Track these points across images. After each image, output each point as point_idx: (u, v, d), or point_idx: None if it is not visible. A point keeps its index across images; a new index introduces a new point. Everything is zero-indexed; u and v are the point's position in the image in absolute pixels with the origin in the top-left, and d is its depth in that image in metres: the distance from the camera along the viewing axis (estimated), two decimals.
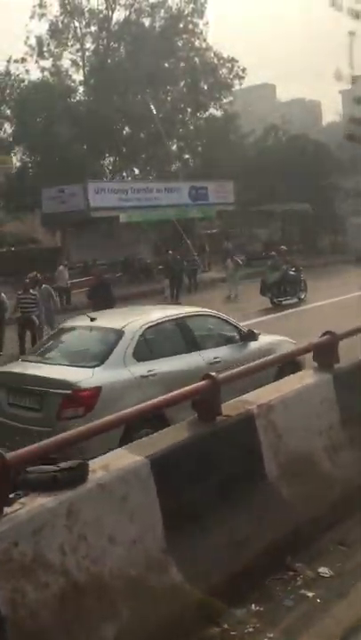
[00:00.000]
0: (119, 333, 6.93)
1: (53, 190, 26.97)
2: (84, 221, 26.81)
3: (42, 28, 41.00)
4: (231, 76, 38.37)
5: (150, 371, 6.74)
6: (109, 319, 8.03)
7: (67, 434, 3.74)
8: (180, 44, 38.55)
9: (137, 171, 40.38)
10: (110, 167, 38.11)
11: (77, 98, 36.77)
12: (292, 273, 18.57)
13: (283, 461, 4.79)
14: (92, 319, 7.51)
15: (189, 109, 40.09)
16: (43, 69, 37.60)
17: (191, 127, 41.42)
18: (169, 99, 39.27)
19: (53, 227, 28.49)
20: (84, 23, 38.15)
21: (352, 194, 36.37)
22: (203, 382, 4.44)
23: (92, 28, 38.59)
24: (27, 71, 35.40)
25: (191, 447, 4.21)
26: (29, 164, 33.89)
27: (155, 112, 36.33)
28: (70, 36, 38.47)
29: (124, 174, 38.09)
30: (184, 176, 32.47)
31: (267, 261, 20.30)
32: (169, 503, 3.90)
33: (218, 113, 40.95)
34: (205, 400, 4.45)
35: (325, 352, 5.48)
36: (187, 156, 41.56)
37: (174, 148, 40.32)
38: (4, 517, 3.10)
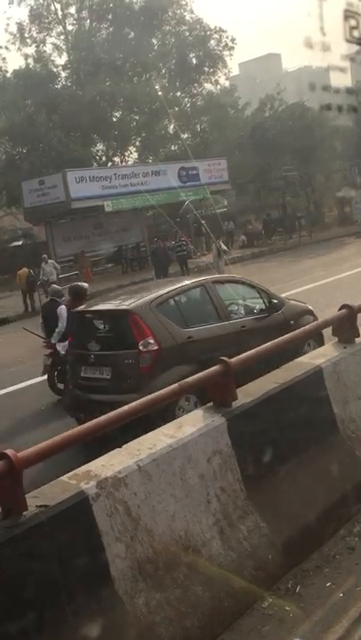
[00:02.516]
0: None
1: (33, 182, 25.42)
2: (68, 213, 25.31)
3: (22, 13, 39.26)
4: (220, 47, 36.23)
5: None
6: None
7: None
8: (167, 15, 36.47)
9: (134, 155, 38.62)
10: (99, 154, 36.42)
11: (62, 83, 35.06)
12: None
13: (140, 557, 3.37)
14: None
15: (182, 86, 38.12)
16: (26, 57, 36.07)
17: (187, 105, 39.47)
18: (161, 74, 37.28)
19: (37, 221, 26.97)
20: (64, 1, 36.45)
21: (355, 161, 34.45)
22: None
23: (73, 8, 36.91)
24: (3, 59, 33.92)
25: None
26: (16, 157, 32.37)
27: (145, 92, 34.50)
28: (51, 18, 36.84)
29: (117, 160, 36.34)
30: (184, 157, 30.76)
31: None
32: None
33: (214, 89, 38.94)
34: (3, 485, 3.05)
35: (219, 387, 4.03)
36: (185, 136, 39.62)
37: (171, 128, 38.44)
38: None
